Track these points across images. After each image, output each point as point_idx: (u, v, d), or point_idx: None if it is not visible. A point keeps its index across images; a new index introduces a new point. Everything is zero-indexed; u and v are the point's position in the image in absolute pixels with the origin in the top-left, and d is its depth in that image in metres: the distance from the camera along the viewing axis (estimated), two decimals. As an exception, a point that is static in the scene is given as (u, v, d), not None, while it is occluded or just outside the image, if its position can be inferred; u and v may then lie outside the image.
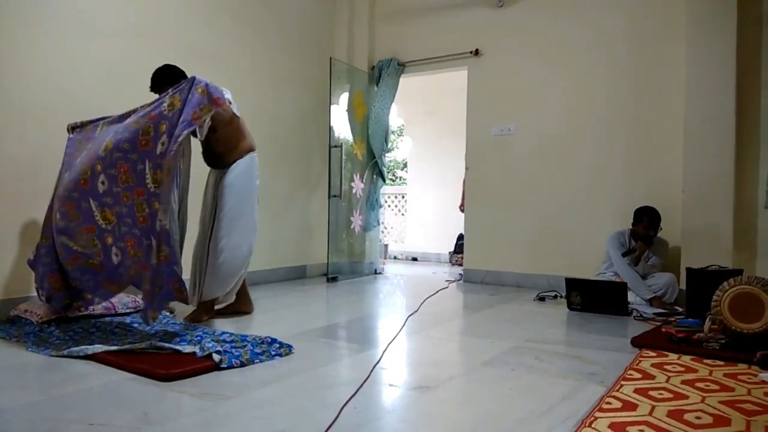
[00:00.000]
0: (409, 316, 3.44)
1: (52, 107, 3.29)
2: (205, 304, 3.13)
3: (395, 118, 7.31)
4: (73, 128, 3.05)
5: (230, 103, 3.08)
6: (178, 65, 3.91)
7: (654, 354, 2.53)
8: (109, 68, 3.59)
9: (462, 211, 6.68)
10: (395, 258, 7.83)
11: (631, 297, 3.74)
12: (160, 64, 3.18)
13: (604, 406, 1.81)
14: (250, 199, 3.25)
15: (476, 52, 5.14)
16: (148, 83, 3.72)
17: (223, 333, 2.68)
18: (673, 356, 2.49)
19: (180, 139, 2.47)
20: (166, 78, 3.05)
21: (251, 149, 3.31)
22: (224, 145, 3.18)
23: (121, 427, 1.63)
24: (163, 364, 2.16)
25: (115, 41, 3.63)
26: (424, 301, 4.03)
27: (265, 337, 2.55)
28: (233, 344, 2.44)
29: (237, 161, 3.20)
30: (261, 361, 2.32)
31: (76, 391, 1.94)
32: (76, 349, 2.34)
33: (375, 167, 5.68)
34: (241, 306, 3.36)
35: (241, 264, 3.17)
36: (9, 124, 3.11)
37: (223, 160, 3.21)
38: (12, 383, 2.04)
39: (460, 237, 6.77)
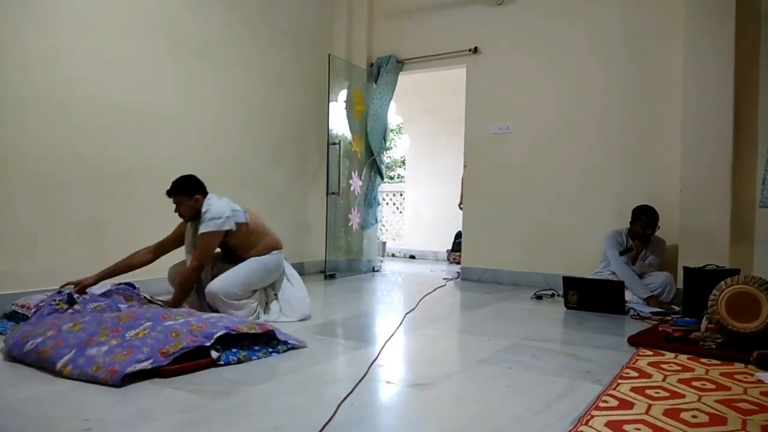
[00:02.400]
0: (407, 313, 3.44)
1: (46, 100, 3.28)
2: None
3: (394, 116, 7.30)
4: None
5: (231, 215, 3.05)
6: (174, 60, 3.91)
7: (651, 353, 2.53)
8: (103, 62, 3.57)
9: (461, 208, 6.68)
10: (393, 256, 7.83)
11: (628, 296, 3.75)
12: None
13: (601, 405, 1.81)
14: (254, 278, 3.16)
15: (475, 50, 5.14)
16: (143, 78, 3.72)
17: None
18: (669, 355, 2.49)
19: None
20: (187, 187, 3.06)
21: (274, 248, 3.27)
22: (241, 248, 3.18)
23: (117, 422, 1.63)
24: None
25: (110, 35, 3.61)
26: (422, 298, 4.03)
27: (261, 323, 2.55)
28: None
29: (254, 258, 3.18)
30: (258, 358, 2.32)
31: (70, 386, 1.93)
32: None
33: (373, 165, 5.68)
34: None
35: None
36: (5, 117, 3.10)
37: (242, 260, 3.18)
38: (7, 379, 2.03)
39: (458, 235, 6.76)
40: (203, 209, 3.04)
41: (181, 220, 3.15)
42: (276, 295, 3.29)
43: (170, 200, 3.07)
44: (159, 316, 2.42)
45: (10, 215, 3.13)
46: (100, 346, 2.14)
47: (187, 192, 3.05)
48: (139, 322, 2.36)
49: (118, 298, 2.90)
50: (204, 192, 3.11)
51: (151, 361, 2.04)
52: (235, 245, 3.15)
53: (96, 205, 3.56)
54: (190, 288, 3.03)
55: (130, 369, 1.97)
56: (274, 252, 3.27)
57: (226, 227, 3.03)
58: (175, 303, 2.96)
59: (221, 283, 3.01)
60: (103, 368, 1.98)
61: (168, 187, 3.04)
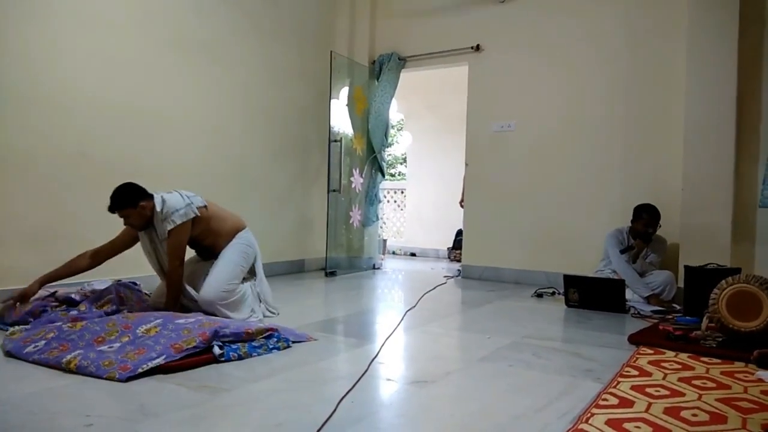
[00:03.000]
0: (407, 311, 3.44)
1: (49, 98, 3.29)
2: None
3: (395, 114, 7.29)
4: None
5: (190, 202, 2.96)
6: (176, 57, 3.91)
7: (651, 351, 2.53)
8: (105, 60, 3.57)
9: (462, 206, 6.67)
10: (394, 253, 7.83)
11: (628, 294, 3.75)
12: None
13: (601, 403, 1.81)
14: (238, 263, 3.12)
15: (477, 48, 5.13)
16: (146, 75, 3.72)
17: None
18: (670, 354, 2.49)
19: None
20: (128, 198, 2.87)
21: (239, 228, 3.22)
22: (208, 236, 3.10)
23: (118, 418, 1.63)
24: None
25: (113, 33, 3.62)
26: (423, 296, 4.04)
27: (269, 326, 2.56)
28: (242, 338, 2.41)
29: (228, 244, 3.14)
30: (259, 355, 2.32)
31: (72, 382, 1.94)
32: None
33: (374, 162, 5.67)
34: None
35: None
36: (6, 114, 3.10)
37: (215, 251, 3.14)
38: (9, 374, 2.04)
39: (459, 233, 6.77)
40: (157, 209, 2.90)
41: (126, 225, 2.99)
42: (259, 294, 3.24)
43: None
44: (170, 315, 2.45)
45: (13, 212, 3.14)
46: (111, 343, 2.16)
47: (131, 203, 2.85)
48: (148, 319, 2.38)
49: (114, 299, 2.90)
50: (148, 196, 2.92)
51: (164, 357, 2.06)
52: (200, 234, 3.05)
53: (99, 202, 3.55)
54: (178, 286, 2.95)
55: (143, 367, 1.98)
56: (241, 232, 3.21)
57: (191, 215, 2.93)
58: (173, 304, 2.91)
59: (210, 290, 2.94)
60: (115, 363, 2.00)
61: (109, 203, 2.85)
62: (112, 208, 2.84)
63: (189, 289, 3.01)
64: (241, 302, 3.07)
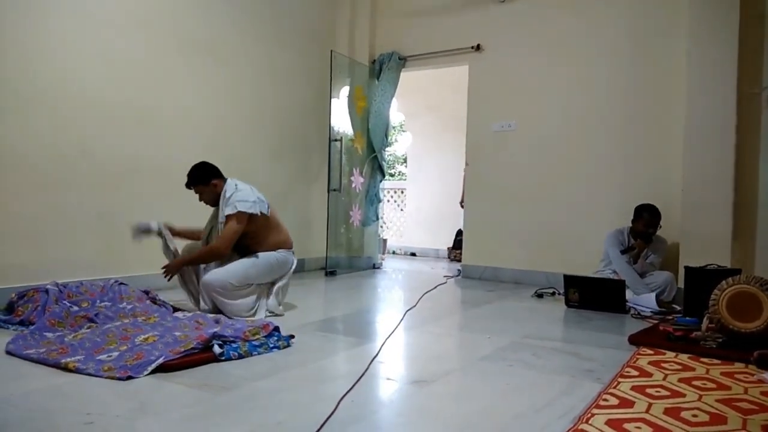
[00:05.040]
0: (408, 310, 3.44)
1: (51, 96, 3.28)
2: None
3: (396, 113, 7.29)
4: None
5: (257, 201, 3.12)
6: (177, 56, 3.92)
7: (651, 352, 2.53)
8: (106, 59, 3.57)
9: (462, 206, 6.68)
10: (394, 253, 7.83)
11: (629, 294, 3.75)
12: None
13: (601, 403, 1.81)
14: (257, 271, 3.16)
15: (478, 48, 5.13)
16: (146, 74, 3.73)
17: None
18: (670, 354, 2.49)
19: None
20: (201, 176, 3.15)
21: (284, 246, 3.28)
22: (253, 239, 3.19)
23: (118, 416, 1.63)
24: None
25: (113, 31, 3.61)
26: (423, 296, 4.03)
27: (267, 323, 2.56)
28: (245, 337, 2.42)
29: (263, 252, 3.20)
30: (259, 354, 2.32)
31: (72, 380, 1.94)
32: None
33: (375, 162, 5.67)
34: None
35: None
36: (8, 113, 3.10)
37: (250, 252, 3.20)
38: (9, 372, 2.03)
39: (459, 233, 6.76)
40: (227, 193, 3.09)
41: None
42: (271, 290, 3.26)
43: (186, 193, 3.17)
44: (169, 326, 2.50)
45: (13, 209, 3.13)
46: (110, 352, 2.17)
47: (203, 180, 3.12)
48: (146, 329, 2.41)
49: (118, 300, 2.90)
50: (220, 176, 3.17)
51: (163, 357, 2.07)
52: (249, 233, 3.14)
53: (99, 200, 3.56)
54: (204, 261, 3.09)
55: (144, 373, 1.98)
56: (281, 250, 3.27)
57: (253, 211, 3.06)
58: (186, 261, 3.06)
59: (218, 275, 3.01)
60: (114, 369, 2.00)
61: (175, 181, 3.11)
62: (188, 184, 3.14)
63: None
64: (243, 303, 3.07)
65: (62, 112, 3.35)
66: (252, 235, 3.17)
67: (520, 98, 4.93)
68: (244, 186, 3.16)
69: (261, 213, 3.13)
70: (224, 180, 3.19)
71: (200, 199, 3.20)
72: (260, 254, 3.17)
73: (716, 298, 2.61)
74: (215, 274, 3.01)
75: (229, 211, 3.03)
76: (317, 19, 5.48)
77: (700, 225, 3.89)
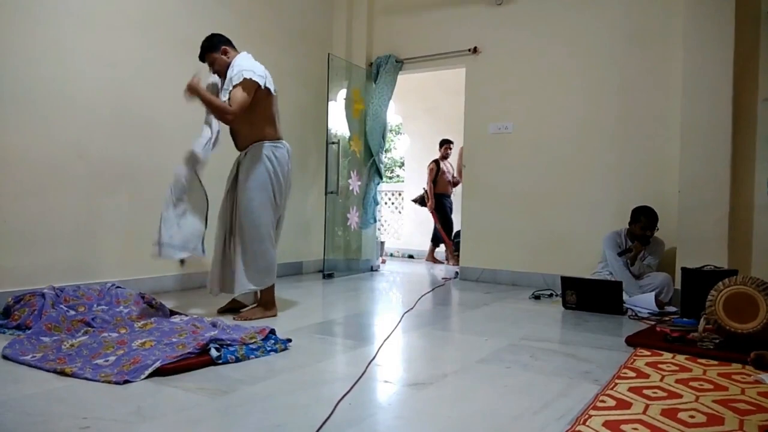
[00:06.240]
0: (405, 313, 3.44)
1: (47, 99, 3.27)
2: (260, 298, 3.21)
3: (393, 116, 7.30)
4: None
5: (263, 76, 3.08)
6: (174, 59, 3.92)
7: (648, 353, 2.53)
8: (104, 61, 3.56)
9: (430, 210, 6.75)
10: (391, 255, 7.83)
11: (626, 296, 3.75)
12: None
13: (599, 404, 1.81)
14: (261, 191, 3.15)
15: (474, 50, 5.14)
16: (145, 76, 3.72)
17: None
18: (667, 355, 2.50)
19: None
20: (211, 45, 3.16)
21: (270, 137, 3.22)
22: (251, 122, 3.12)
23: (115, 421, 1.63)
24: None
25: (111, 34, 3.61)
26: (420, 298, 4.04)
27: (264, 327, 2.56)
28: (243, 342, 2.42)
29: (252, 145, 3.16)
30: (256, 357, 2.32)
31: (69, 384, 1.93)
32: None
33: (372, 164, 5.67)
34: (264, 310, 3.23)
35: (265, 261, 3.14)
36: (5, 116, 3.09)
37: (238, 141, 3.22)
38: (5, 376, 2.03)
39: (457, 235, 6.77)
40: (235, 62, 3.08)
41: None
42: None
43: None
44: (167, 330, 2.50)
45: (9, 213, 3.12)
46: (107, 357, 2.17)
47: (214, 48, 3.13)
48: (143, 334, 2.44)
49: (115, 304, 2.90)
50: (231, 45, 3.19)
51: (160, 360, 2.07)
52: (252, 111, 3.06)
53: (96, 203, 3.55)
54: (211, 107, 3.02)
55: (141, 377, 1.97)
56: (268, 143, 3.20)
57: (260, 83, 3.03)
58: (203, 93, 2.99)
59: (243, 211, 3.09)
60: (111, 375, 2.00)
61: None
62: (200, 56, 3.16)
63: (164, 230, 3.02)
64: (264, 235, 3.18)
65: (58, 116, 3.34)
66: (252, 116, 3.08)
67: (517, 100, 4.94)
68: (254, 61, 3.13)
69: (266, 87, 3.09)
70: (235, 49, 3.19)
71: (213, 71, 3.18)
72: (252, 166, 3.13)
73: (713, 299, 2.62)
74: (243, 216, 3.10)
75: (239, 77, 2.98)
76: (314, 22, 5.48)
77: (696, 227, 3.90)
